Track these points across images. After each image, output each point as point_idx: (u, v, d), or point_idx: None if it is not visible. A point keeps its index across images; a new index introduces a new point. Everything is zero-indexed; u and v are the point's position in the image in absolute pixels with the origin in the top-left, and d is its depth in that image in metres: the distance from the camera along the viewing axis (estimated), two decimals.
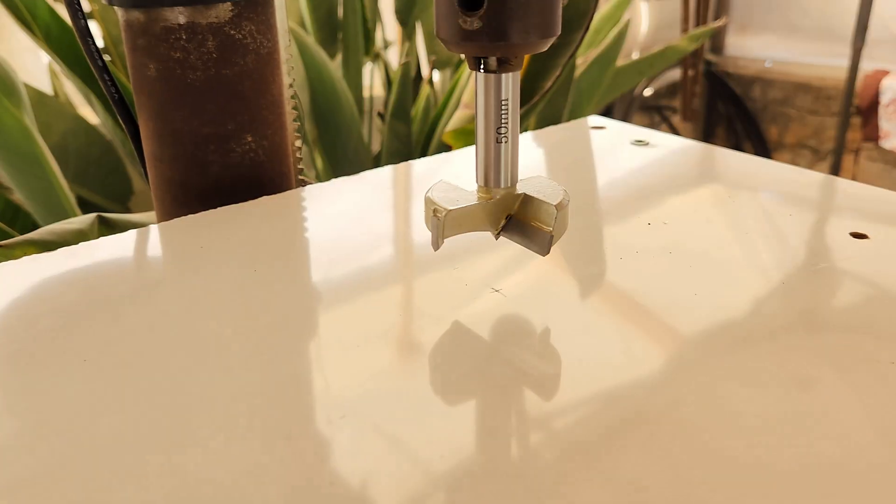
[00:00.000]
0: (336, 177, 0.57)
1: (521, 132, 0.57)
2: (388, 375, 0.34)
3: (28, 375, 0.34)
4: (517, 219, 0.38)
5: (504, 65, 0.35)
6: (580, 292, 0.40)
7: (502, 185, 0.37)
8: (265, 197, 0.52)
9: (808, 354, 0.35)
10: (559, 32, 0.34)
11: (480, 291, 0.40)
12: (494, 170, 0.37)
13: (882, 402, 0.31)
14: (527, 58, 0.67)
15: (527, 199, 0.37)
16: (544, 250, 0.37)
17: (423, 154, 1.30)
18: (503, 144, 0.36)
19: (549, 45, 0.35)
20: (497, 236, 0.38)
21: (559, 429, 0.30)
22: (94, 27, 1.09)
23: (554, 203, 0.36)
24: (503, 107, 0.35)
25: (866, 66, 1.94)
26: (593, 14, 0.91)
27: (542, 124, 1.18)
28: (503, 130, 0.36)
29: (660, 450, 0.28)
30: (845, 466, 0.27)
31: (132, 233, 0.50)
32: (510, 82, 0.35)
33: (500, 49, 0.33)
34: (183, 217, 0.49)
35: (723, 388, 0.32)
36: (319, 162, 1.22)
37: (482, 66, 0.35)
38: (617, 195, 0.55)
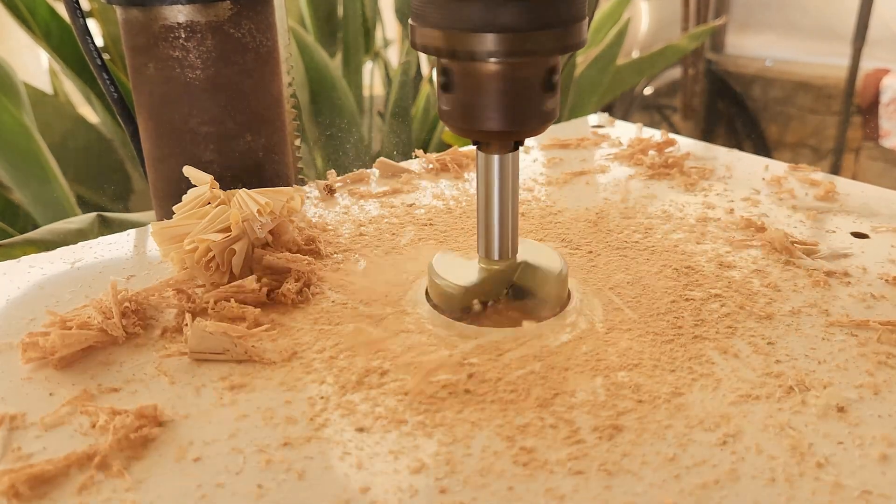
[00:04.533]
0: (336, 176, 0.57)
1: None
2: (386, 369, 0.34)
3: (26, 375, 0.33)
4: (518, 284, 0.39)
5: (491, 146, 0.36)
6: (581, 289, 0.40)
7: (497, 258, 0.38)
8: None
9: (807, 353, 0.35)
10: (553, 119, 0.36)
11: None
12: (493, 243, 0.38)
13: (884, 393, 0.31)
14: None
15: (527, 267, 0.39)
16: (553, 312, 0.38)
17: (424, 153, 1.29)
18: (512, 216, 0.37)
19: (543, 131, 0.36)
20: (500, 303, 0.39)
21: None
22: (94, 26, 1.08)
23: (555, 270, 0.38)
24: (498, 185, 0.37)
25: (867, 64, 1.94)
26: (593, 13, 0.90)
27: None
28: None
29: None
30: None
31: (131, 232, 0.50)
32: (507, 163, 0.36)
33: (472, 133, 0.35)
34: None
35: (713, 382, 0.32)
36: (319, 161, 1.22)
37: (479, 145, 0.36)
38: (618, 195, 0.54)
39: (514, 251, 0.39)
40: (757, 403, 0.31)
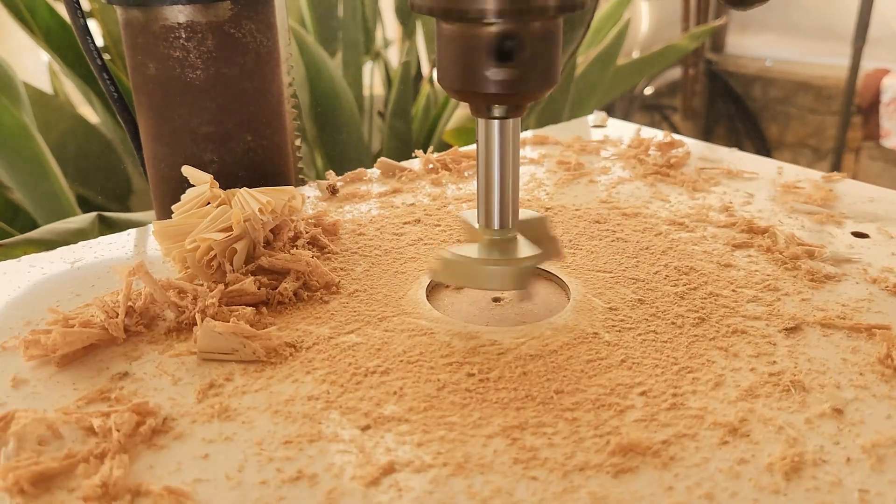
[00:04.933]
0: (336, 176, 0.57)
1: (521, 130, 0.57)
2: (380, 359, 0.34)
3: (28, 374, 0.34)
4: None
5: (517, 110, 0.35)
6: (581, 289, 0.40)
7: (510, 225, 0.38)
8: None
9: (806, 354, 0.35)
10: (552, 83, 0.35)
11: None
12: (509, 210, 0.37)
13: (881, 395, 0.31)
14: None
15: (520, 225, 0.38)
16: (559, 254, 0.38)
17: (424, 153, 1.29)
18: (512, 185, 0.37)
19: (544, 95, 0.35)
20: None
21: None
22: (94, 26, 1.08)
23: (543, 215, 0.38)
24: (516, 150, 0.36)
25: (867, 64, 1.94)
26: (594, 13, 0.91)
27: (542, 123, 1.18)
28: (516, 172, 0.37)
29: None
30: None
31: (131, 232, 0.50)
32: (508, 129, 0.36)
33: (476, 96, 0.34)
34: None
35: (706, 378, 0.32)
36: (319, 161, 1.22)
37: (493, 113, 0.35)
38: (618, 194, 0.54)
39: (515, 220, 0.38)
40: (756, 403, 0.31)
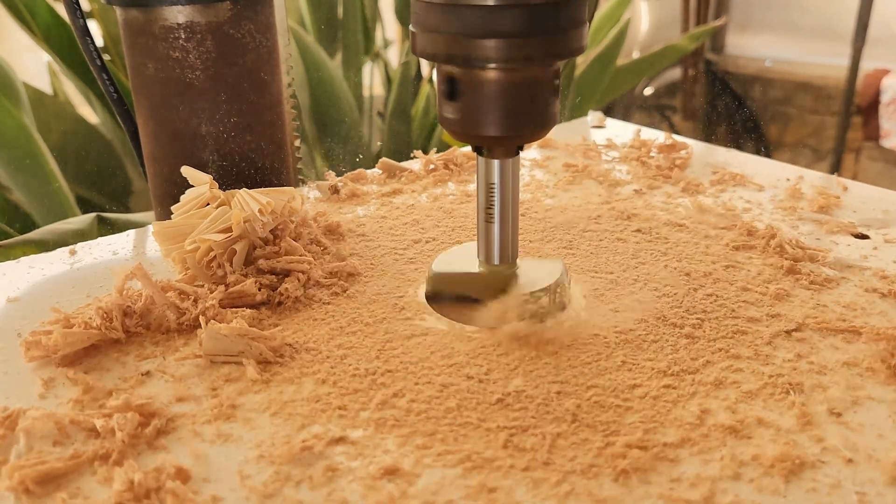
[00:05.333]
0: (336, 176, 0.57)
1: None
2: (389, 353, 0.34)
3: (26, 375, 0.34)
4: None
5: (492, 151, 0.36)
6: (582, 291, 0.40)
7: (497, 263, 0.38)
8: None
9: (806, 357, 0.35)
10: (550, 126, 0.36)
11: None
12: (493, 247, 0.38)
13: (879, 398, 0.31)
14: None
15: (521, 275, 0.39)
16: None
17: (424, 153, 1.29)
18: (492, 225, 0.37)
19: (544, 135, 0.36)
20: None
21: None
22: (94, 26, 1.08)
23: (547, 283, 0.38)
24: (490, 190, 0.37)
25: (867, 64, 1.93)
26: (593, 13, 0.90)
27: None
28: (490, 211, 0.37)
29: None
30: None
31: (131, 233, 0.50)
32: (507, 168, 0.36)
33: (476, 139, 0.35)
34: None
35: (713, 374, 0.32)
36: (319, 161, 1.22)
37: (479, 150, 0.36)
38: (618, 195, 0.54)
39: (515, 256, 0.39)
40: (755, 405, 0.31)
